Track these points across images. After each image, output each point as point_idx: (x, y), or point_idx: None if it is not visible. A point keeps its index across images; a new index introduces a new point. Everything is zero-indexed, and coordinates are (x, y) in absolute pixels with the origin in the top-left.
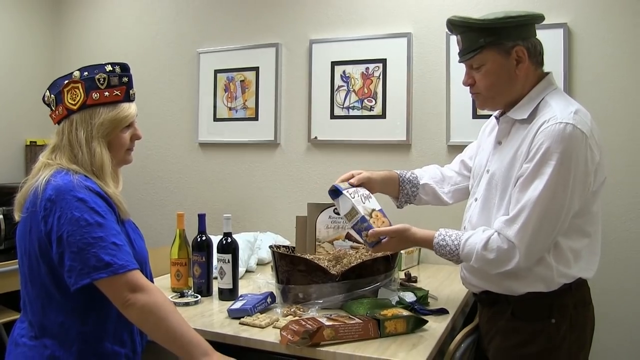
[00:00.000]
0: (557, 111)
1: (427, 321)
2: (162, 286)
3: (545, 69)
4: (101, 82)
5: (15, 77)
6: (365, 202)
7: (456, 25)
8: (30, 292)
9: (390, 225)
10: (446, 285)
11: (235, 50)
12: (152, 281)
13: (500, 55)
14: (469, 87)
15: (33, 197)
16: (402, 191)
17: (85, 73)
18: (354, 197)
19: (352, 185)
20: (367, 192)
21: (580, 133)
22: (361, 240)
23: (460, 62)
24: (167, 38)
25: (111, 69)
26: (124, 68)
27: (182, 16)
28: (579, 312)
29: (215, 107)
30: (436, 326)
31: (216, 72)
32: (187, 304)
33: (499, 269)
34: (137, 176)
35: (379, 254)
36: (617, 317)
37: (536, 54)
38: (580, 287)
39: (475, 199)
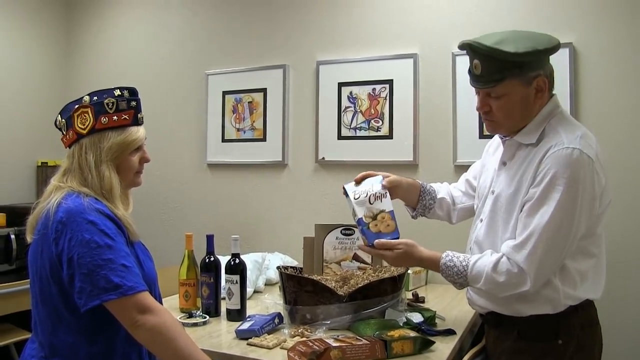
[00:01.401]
0: (564, 136)
1: (434, 342)
2: (170, 306)
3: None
4: (110, 106)
5: (27, 98)
6: (375, 202)
7: (478, 53)
8: (40, 312)
9: (396, 228)
10: (454, 306)
11: (243, 71)
12: (161, 302)
13: (522, 86)
14: (479, 111)
15: (45, 220)
16: (421, 201)
17: (95, 98)
18: (358, 197)
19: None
20: (383, 191)
21: (587, 158)
22: (368, 261)
23: (477, 87)
24: (176, 60)
25: (120, 93)
26: (132, 92)
27: (191, 38)
28: (586, 333)
29: (223, 128)
30: (443, 347)
31: (224, 93)
32: (195, 325)
33: (507, 292)
34: (147, 197)
35: (386, 275)
36: (625, 337)
37: (552, 82)
38: (587, 308)
39: (481, 220)
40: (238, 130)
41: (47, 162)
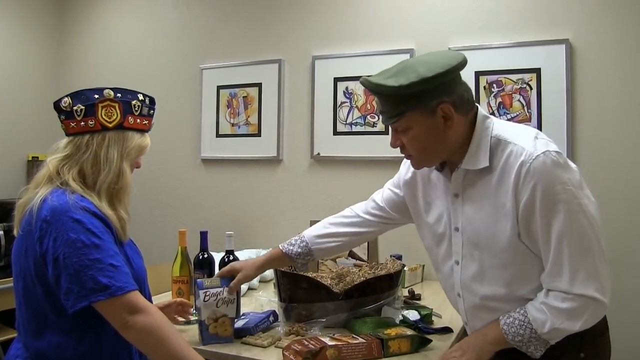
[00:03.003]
0: (523, 144)
1: (431, 340)
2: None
3: (548, 85)
4: (136, 108)
5: (18, 93)
6: (221, 307)
7: (372, 91)
8: (25, 312)
9: (232, 334)
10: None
11: (237, 66)
12: (151, 300)
13: (425, 116)
14: (393, 147)
15: (29, 217)
16: (297, 264)
17: (119, 95)
18: (207, 300)
19: (224, 282)
20: (232, 297)
21: (557, 154)
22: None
23: (384, 123)
24: (170, 54)
25: (142, 98)
26: (152, 101)
27: (185, 33)
28: (603, 344)
29: (217, 123)
30: (440, 345)
31: (219, 88)
32: (188, 323)
33: (592, 322)
34: (139, 192)
35: (382, 272)
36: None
37: (463, 103)
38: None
39: (457, 262)
40: (232, 125)
41: (37, 157)
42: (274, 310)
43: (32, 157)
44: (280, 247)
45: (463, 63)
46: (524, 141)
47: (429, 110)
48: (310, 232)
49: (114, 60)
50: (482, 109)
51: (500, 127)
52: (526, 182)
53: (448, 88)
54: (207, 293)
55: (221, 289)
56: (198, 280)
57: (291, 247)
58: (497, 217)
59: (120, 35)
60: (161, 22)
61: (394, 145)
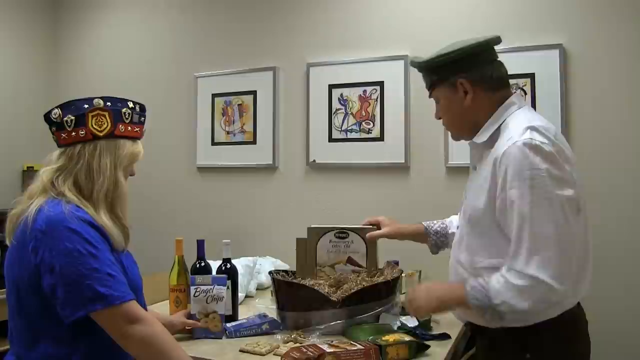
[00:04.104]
0: (513, 132)
1: (429, 346)
2: (161, 313)
3: (543, 90)
4: (126, 116)
5: (13, 103)
6: (211, 303)
7: (413, 66)
8: (18, 323)
9: (222, 329)
10: None
11: (232, 74)
12: (145, 309)
13: (448, 90)
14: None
15: (23, 227)
16: (430, 242)
17: (109, 103)
18: (197, 296)
19: (215, 281)
20: (222, 294)
21: (538, 145)
22: (363, 264)
23: (429, 97)
24: (164, 62)
25: (132, 106)
26: (142, 109)
27: (180, 40)
28: (560, 347)
29: (213, 131)
30: (438, 351)
31: (214, 96)
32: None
33: (543, 307)
34: (136, 201)
35: (380, 279)
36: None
37: (485, 80)
38: (564, 321)
39: (457, 227)
40: (228, 133)
41: (33, 167)
42: (273, 318)
43: (28, 167)
44: (424, 222)
45: (483, 44)
46: (518, 127)
47: (451, 84)
48: (454, 217)
49: (109, 69)
50: (520, 98)
51: (518, 114)
52: (502, 164)
53: (466, 65)
54: (198, 289)
55: (211, 286)
56: (192, 275)
57: (432, 224)
58: (480, 191)
59: (115, 44)
60: (155, 31)
61: (436, 116)
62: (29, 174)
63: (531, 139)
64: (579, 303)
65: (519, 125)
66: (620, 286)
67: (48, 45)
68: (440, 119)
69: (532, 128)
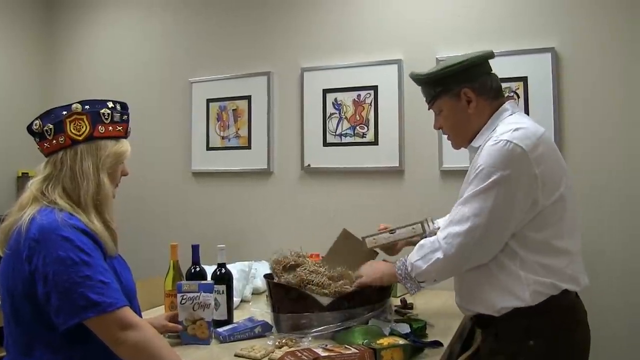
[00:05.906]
0: (498, 132)
1: (424, 348)
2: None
3: (535, 93)
4: (106, 116)
5: (7, 108)
6: (197, 310)
7: (414, 80)
8: (13, 331)
9: (209, 338)
10: (442, 311)
11: (227, 79)
12: (140, 314)
13: (451, 100)
14: (436, 129)
15: (17, 236)
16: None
17: (87, 107)
18: (184, 303)
19: (202, 287)
20: (209, 301)
21: (516, 147)
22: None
23: (428, 109)
24: (159, 67)
25: (112, 106)
26: (124, 107)
27: (174, 46)
28: (561, 335)
29: (208, 136)
30: (433, 353)
31: (208, 101)
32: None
33: (435, 270)
34: (130, 206)
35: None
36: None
37: (486, 90)
38: (564, 307)
39: None
40: (223, 138)
41: (27, 173)
42: (265, 321)
43: (22, 173)
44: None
45: (483, 57)
46: (503, 129)
47: (454, 94)
48: (442, 220)
49: (103, 75)
50: (513, 105)
51: (509, 119)
52: (478, 159)
53: (470, 76)
54: (184, 297)
55: (197, 293)
56: (178, 282)
57: (428, 228)
58: (465, 186)
59: (110, 49)
60: (150, 36)
61: (435, 127)
62: (23, 180)
63: (510, 139)
64: (577, 294)
65: (507, 126)
66: (613, 280)
67: (41, 50)
68: (440, 129)
69: (518, 129)
